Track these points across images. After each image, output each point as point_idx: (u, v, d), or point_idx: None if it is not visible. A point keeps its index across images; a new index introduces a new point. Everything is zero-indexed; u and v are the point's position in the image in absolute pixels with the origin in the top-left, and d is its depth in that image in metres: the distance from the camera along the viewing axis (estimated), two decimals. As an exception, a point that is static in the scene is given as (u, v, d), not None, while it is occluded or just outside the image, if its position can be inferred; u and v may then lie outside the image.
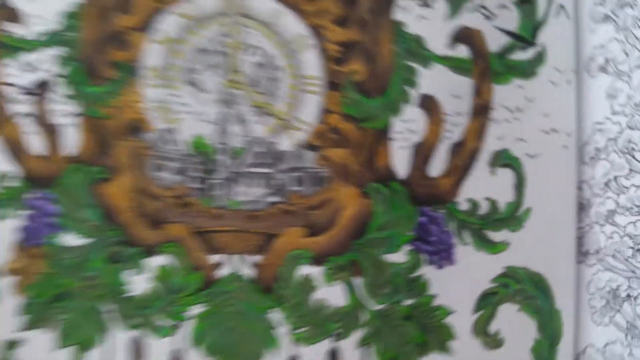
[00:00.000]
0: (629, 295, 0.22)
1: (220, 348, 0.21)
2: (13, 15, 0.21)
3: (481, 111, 0.22)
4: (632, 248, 0.22)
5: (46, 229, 0.21)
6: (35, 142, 0.21)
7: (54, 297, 0.21)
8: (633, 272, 0.22)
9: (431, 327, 0.22)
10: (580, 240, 0.24)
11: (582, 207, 0.24)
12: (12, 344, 0.21)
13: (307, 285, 0.22)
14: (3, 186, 0.21)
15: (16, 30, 0.21)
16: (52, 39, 0.21)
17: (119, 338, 0.21)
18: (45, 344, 0.21)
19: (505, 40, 0.22)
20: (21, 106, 0.21)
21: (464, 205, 0.22)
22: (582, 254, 0.24)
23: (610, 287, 0.22)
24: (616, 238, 0.22)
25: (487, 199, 0.22)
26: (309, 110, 0.21)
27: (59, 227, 0.21)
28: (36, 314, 0.21)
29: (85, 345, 0.21)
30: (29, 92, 0.20)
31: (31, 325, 0.21)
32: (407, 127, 0.21)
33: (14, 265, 0.21)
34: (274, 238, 0.22)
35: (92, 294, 0.21)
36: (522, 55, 0.22)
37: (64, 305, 0.21)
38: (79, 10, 0.21)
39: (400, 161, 0.22)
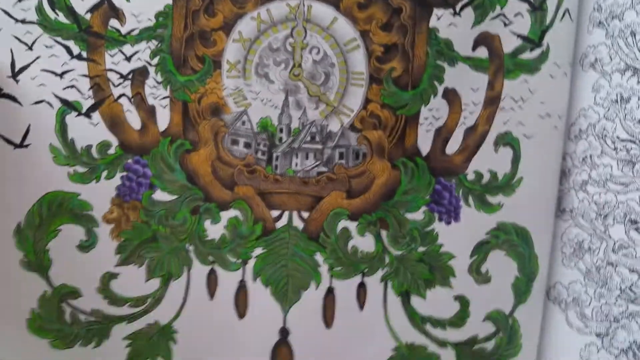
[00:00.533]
0: (589, 248, 0.34)
1: (275, 280, 0.34)
2: (117, 14, 0.31)
3: (493, 101, 0.33)
4: (596, 212, 0.34)
5: (141, 188, 0.32)
6: (133, 119, 0.32)
7: (145, 240, 0.33)
8: (594, 231, 0.34)
9: (437, 267, 0.34)
10: (559, 199, 0.36)
11: (564, 174, 0.36)
12: (110, 276, 0.33)
13: (345, 235, 0.34)
14: (107, 153, 0.32)
15: (120, 26, 0.31)
16: (148, 35, 0.31)
17: (198, 271, 0.34)
18: (136, 276, 0.33)
19: (517, 42, 0.33)
20: (123, 89, 0.32)
21: (470, 176, 0.34)
22: (560, 210, 0.36)
23: (577, 240, 0.35)
24: (585, 203, 0.35)
25: (489, 170, 0.34)
26: (354, 99, 0.32)
27: (151, 186, 0.32)
28: (129, 253, 0.33)
29: (170, 276, 0.33)
30: (129, 77, 0.32)
31: (125, 262, 0.33)
32: (432, 115, 0.33)
33: (110, 216, 0.33)
34: (321, 199, 0.33)
35: (177, 237, 0.33)
36: (529, 55, 0.33)
37: (153, 246, 0.33)
38: (171, 11, 0.31)
39: (424, 141, 0.33)
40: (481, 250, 0.35)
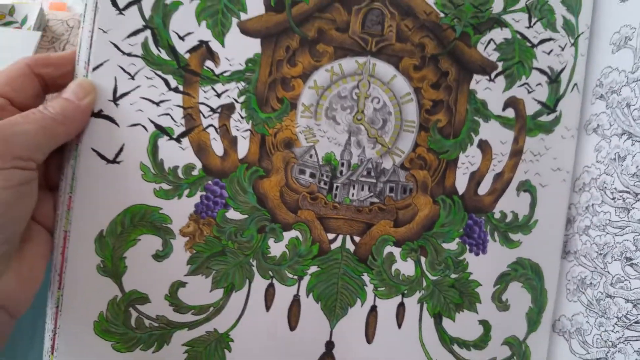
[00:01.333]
0: (590, 283, 0.39)
1: (325, 296, 0.38)
2: (213, 57, 0.37)
3: (516, 153, 0.40)
4: (597, 252, 0.39)
5: (217, 206, 0.37)
6: (217, 146, 0.37)
7: (215, 253, 0.37)
8: (595, 268, 0.39)
9: (466, 293, 0.39)
10: (565, 243, 0.42)
11: (569, 221, 0.42)
12: (179, 284, 0.36)
13: (390, 259, 0.38)
14: (191, 174, 0.37)
15: (214, 67, 0.37)
16: (238, 77, 0.37)
17: (258, 284, 0.38)
18: (203, 286, 0.37)
19: (537, 106, 0.40)
20: (211, 120, 0.37)
21: (497, 215, 0.40)
22: (565, 252, 0.42)
23: (580, 277, 0.40)
24: (587, 245, 0.40)
25: (512, 211, 0.40)
26: (406, 143, 0.38)
27: (226, 206, 0.37)
28: (199, 264, 0.37)
29: (233, 287, 0.38)
30: (218, 111, 0.37)
31: (194, 272, 0.37)
32: (468, 160, 0.39)
33: (187, 230, 0.37)
34: (372, 226, 0.38)
35: (243, 252, 0.37)
36: (546, 118, 0.40)
37: (221, 259, 0.37)
38: (259, 59, 0.37)
39: (461, 182, 0.39)
40: (503, 280, 0.41)
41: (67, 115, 0.34)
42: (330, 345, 0.39)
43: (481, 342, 0.40)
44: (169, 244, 0.37)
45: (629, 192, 0.38)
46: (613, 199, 0.39)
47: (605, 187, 0.40)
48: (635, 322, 0.37)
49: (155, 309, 0.37)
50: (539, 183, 0.41)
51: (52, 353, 0.36)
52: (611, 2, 0.40)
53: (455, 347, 0.40)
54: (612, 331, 0.38)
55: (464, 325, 0.40)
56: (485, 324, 0.40)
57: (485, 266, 0.40)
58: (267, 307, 0.38)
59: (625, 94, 0.39)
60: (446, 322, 0.40)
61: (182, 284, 0.37)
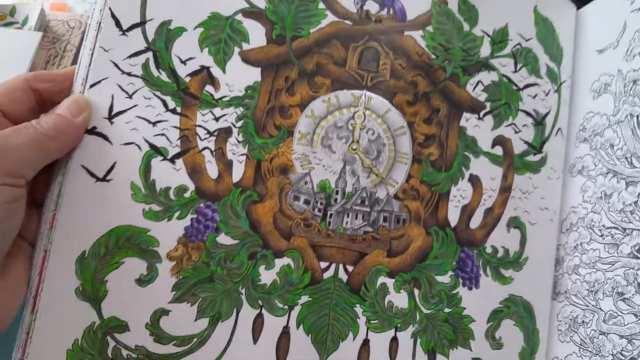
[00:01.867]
0: (583, 322, 0.39)
1: (316, 329, 0.37)
2: (213, 82, 0.37)
3: (506, 190, 0.41)
4: (587, 290, 0.40)
5: (207, 230, 0.36)
6: (212, 169, 0.37)
7: (202, 279, 0.35)
8: (587, 306, 0.40)
9: (460, 329, 0.39)
10: (555, 284, 0.42)
11: (558, 262, 0.42)
12: (161, 312, 0.35)
13: (383, 290, 0.38)
14: (183, 196, 0.36)
15: (214, 92, 0.38)
16: (237, 102, 0.38)
17: (246, 314, 0.36)
18: (187, 315, 0.35)
19: (524, 146, 0.42)
20: (208, 143, 0.37)
21: (489, 250, 0.40)
22: (555, 293, 0.42)
23: (571, 316, 0.40)
24: (578, 283, 0.40)
25: (503, 247, 0.41)
26: (399, 174, 0.39)
27: (217, 230, 0.36)
28: (185, 291, 0.35)
29: (220, 317, 0.36)
30: (215, 134, 0.37)
31: (179, 299, 0.35)
32: (460, 194, 0.40)
33: (174, 253, 0.36)
34: (365, 255, 0.38)
35: (232, 279, 0.36)
36: (533, 158, 0.42)
37: (208, 286, 0.35)
38: (258, 86, 0.38)
39: (453, 215, 0.40)
40: (495, 317, 0.40)
41: (60, 131, 0.34)
42: (320, 382, 0.37)
43: (475, 382, 0.39)
44: (154, 268, 0.36)
45: (617, 228, 0.39)
46: (601, 235, 0.40)
47: (593, 225, 0.41)
48: (631, 358, 0.37)
49: (134, 338, 0.35)
50: (528, 220, 0.42)
51: None
52: (589, 52, 0.44)
53: (450, 387, 0.38)
54: None
55: (458, 363, 0.39)
56: (479, 363, 0.39)
57: (479, 301, 0.40)
58: (255, 339, 0.37)
59: (608, 135, 0.41)
60: (440, 359, 0.38)
61: (165, 312, 0.36)
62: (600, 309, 0.39)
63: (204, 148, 0.37)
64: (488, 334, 0.40)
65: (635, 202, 0.39)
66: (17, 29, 0.50)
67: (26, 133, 0.32)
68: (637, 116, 0.40)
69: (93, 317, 0.35)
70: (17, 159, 0.31)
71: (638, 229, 0.39)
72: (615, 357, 0.38)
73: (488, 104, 0.42)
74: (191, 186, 0.37)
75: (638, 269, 0.38)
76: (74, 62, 0.46)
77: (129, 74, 0.37)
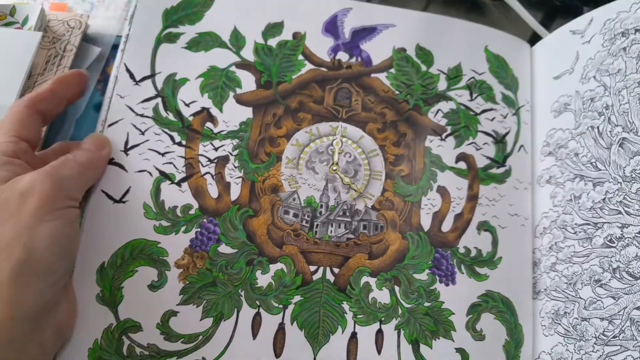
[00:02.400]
0: (565, 313, 0.42)
1: (308, 324, 0.41)
2: (212, 120, 0.45)
3: (472, 198, 0.45)
4: (566, 283, 0.42)
5: (210, 242, 0.42)
6: (213, 190, 0.43)
7: (206, 284, 0.40)
8: (567, 297, 0.42)
9: (440, 321, 0.42)
10: (534, 285, 0.45)
11: (535, 264, 0.45)
12: (170, 314, 0.39)
13: (366, 288, 0.42)
14: (188, 213, 0.42)
15: (213, 127, 0.45)
16: (232, 135, 0.44)
17: (246, 313, 0.40)
18: (193, 315, 0.40)
19: (486, 161, 0.47)
20: (209, 169, 0.44)
21: (462, 250, 0.44)
22: (535, 292, 0.44)
23: (553, 310, 0.42)
24: (556, 279, 0.43)
25: (475, 247, 0.44)
26: (375, 188, 0.45)
27: (218, 241, 0.42)
28: (191, 294, 0.40)
29: (222, 316, 0.40)
30: (214, 161, 0.44)
31: (186, 302, 0.40)
32: (430, 203, 0.45)
33: (181, 262, 0.41)
34: (348, 259, 0.43)
35: (233, 283, 0.41)
36: (496, 171, 0.47)
37: (212, 290, 0.40)
38: (251, 122, 0.45)
39: (425, 221, 0.44)
40: (474, 310, 0.43)
41: (93, 162, 0.41)
42: (313, 372, 0.40)
43: (460, 371, 0.42)
44: (164, 275, 0.41)
45: (589, 224, 0.43)
46: (575, 232, 0.44)
47: (566, 225, 0.44)
48: (613, 337, 0.40)
49: (146, 337, 0.40)
50: (497, 224, 0.46)
51: None
52: (546, 79, 0.50)
53: (436, 375, 0.42)
54: (593, 351, 0.40)
55: (441, 352, 0.42)
56: (462, 352, 0.42)
57: (456, 296, 0.44)
58: (254, 335, 0.41)
59: (572, 146, 0.46)
60: (424, 349, 0.42)
61: (174, 313, 0.41)
62: (580, 297, 0.42)
63: (206, 173, 0.44)
64: (469, 326, 0.43)
65: (603, 200, 0.43)
66: (17, 29, 0.50)
67: (70, 166, 0.38)
68: (598, 127, 0.45)
69: (110, 319, 0.40)
70: (72, 186, 0.38)
71: (608, 222, 0.42)
72: (599, 338, 0.40)
73: (449, 128, 0.48)
74: (195, 205, 0.44)
75: (612, 257, 0.41)
76: (74, 62, 0.50)
77: (141, 115, 0.45)
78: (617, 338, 0.40)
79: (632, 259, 0.41)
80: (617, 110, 0.44)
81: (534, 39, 0.55)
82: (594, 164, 0.44)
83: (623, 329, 0.40)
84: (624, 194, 0.42)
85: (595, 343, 0.41)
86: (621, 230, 0.42)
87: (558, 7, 0.60)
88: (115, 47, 0.53)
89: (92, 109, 0.50)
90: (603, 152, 0.44)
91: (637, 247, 0.41)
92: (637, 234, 0.41)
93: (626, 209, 0.42)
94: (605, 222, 0.42)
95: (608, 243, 0.42)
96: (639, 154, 0.42)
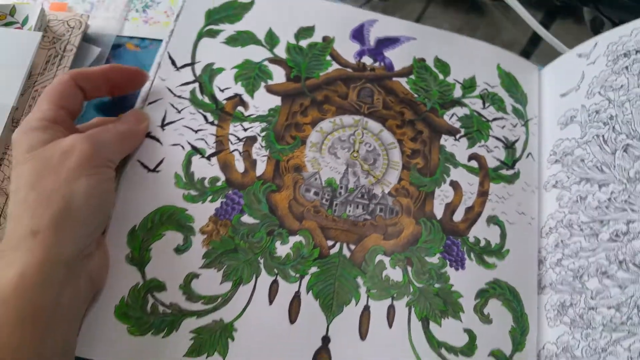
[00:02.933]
0: (571, 304, 0.43)
1: (323, 294, 0.43)
2: (244, 105, 0.48)
3: (483, 194, 0.48)
4: (572, 276, 0.43)
5: (234, 211, 0.44)
6: (240, 165, 0.46)
7: (228, 250, 0.42)
8: (573, 289, 0.44)
9: (449, 302, 0.43)
10: (539, 281, 0.47)
11: (540, 262, 0.47)
12: (193, 276, 0.41)
13: (380, 265, 0.44)
14: (215, 184, 0.45)
15: (244, 111, 0.49)
16: (261, 119, 0.48)
17: (264, 280, 0.42)
18: (215, 278, 0.42)
19: (497, 162, 0.51)
20: (237, 146, 0.47)
21: (471, 239, 0.46)
22: (540, 288, 0.46)
23: (559, 302, 0.44)
24: (562, 274, 0.44)
25: (484, 238, 0.47)
26: (392, 176, 0.48)
27: (242, 211, 0.44)
28: (213, 259, 0.42)
29: (241, 281, 0.42)
30: (243, 140, 0.47)
31: (208, 265, 0.42)
32: (443, 194, 0.48)
33: (206, 228, 0.43)
34: (364, 237, 0.45)
35: (253, 251, 0.43)
36: (506, 172, 0.50)
37: (233, 256, 0.42)
38: (279, 109, 0.49)
39: (438, 209, 0.47)
40: (482, 295, 0.45)
41: (131, 133, 0.45)
42: (326, 340, 0.42)
43: (468, 350, 0.43)
44: (189, 240, 0.44)
45: (594, 222, 0.46)
46: (581, 230, 0.46)
47: (572, 223, 0.46)
48: (621, 324, 0.41)
49: (169, 296, 0.42)
50: (506, 220, 0.49)
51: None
52: (554, 97, 0.54)
53: (443, 351, 0.43)
54: (600, 338, 0.42)
55: (449, 331, 0.44)
56: (470, 333, 0.44)
57: (465, 280, 0.46)
58: (270, 301, 0.43)
59: (578, 153, 0.49)
60: (433, 327, 0.44)
61: (196, 275, 0.43)
62: (587, 288, 0.43)
63: (234, 150, 0.48)
64: (476, 309, 0.45)
65: (609, 199, 0.46)
66: (17, 29, 0.51)
67: (110, 133, 0.42)
68: (603, 135, 0.48)
69: (138, 278, 0.42)
70: (110, 149, 0.41)
71: (614, 219, 0.45)
72: (606, 326, 0.42)
73: (462, 130, 0.52)
74: (222, 177, 0.46)
75: (618, 250, 0.43)
76: (74, 62, 0.51)
77: (179, 97, 0.49)
78: (625, 324, 0.41)
79: (638, 252, 0.43)
80: (620, 120, 0.48)
81: (534, 39, 0.59)
82: (599, 167, 0.47)
83: (631, 315, 0.41)
84: (629, 193, 0.45)
85: (602, 330, 0.42)
86: (627, 226, 0.44)
87: (558, 7, 0.64)
88: (115, 46, 0.55)
89: (93, 109, 0.51)
90: (608, 157, 0.47)
91: None
92: None
93: (631, 206, 0.44)
94: (611, 219, 0.45)
95: (614, 238, 0.44)
96: None
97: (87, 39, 0.55)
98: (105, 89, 0.44)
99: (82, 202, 0.36)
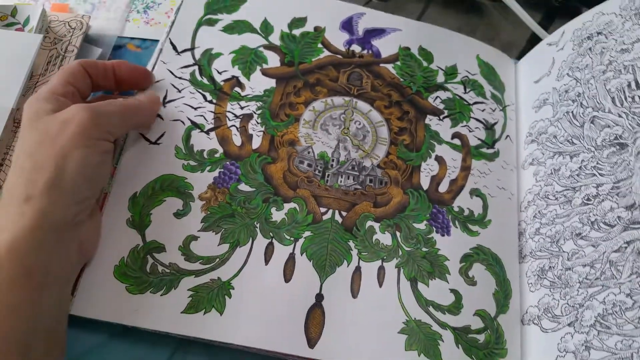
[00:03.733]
0: (549, 267, 0.45)
1: (317, 256, 0.44)
2: (241, 85, 0.51)
3: (465, 169, 0.51)
4: (550, 242, 0.46)
5: (231, 180, 0.46)
6: (237, 139, 0.48)
7: (225, 215, 0.44)
8: (551, 254, 0.46)
9: (436, 264, 0.45)
10: (520, 251, 0.49)
11: (521, 234, 0.50)
12: (191, 238, 0.43)
13: (371, 231, 0.46)
14: (214, 156, 0.47)
15: (240, 91, 0.51)
16: (257, 98, 0.51)
17: (260, 242, 0.44)
18: (212, 241, 0.43)
19: (478, 141, 0.54)
20: (234, 122, 0.49)
21: (456, 208, 0.49)
22: (521, 257, 0.49)
23: (539, 267, 0.46)
24: (540, 241, 0.47)
25: (468, 208, 0.49)
26: (381, 151, 0.50)
27: (238, 180, 0.46)
28: (211, 223, 0.44)
29: (238, 243, 0.44)
30: (240, 117, 0.50)
31: (206, 229, 0.44)
32: (429, 167, 0.50)
33: (205, 195, 0.45)
34: (355, 205, 0.47)
35: (249, 216, 0.45)
36: (486, 150, 0.53)
37: (230, 220, 0.44)
38: (274, 89, 0.52)
39: (424, 181, 0.50)
40: (467, 260, 0.47)
41: (139, 108, 0.46)
42: (320, 297, 0.44)
43: (454, 308, 0.46)
44: (188, 205, 0.46)
45: (568, 189, 0.48)
46: (556, 199, 0.49)
47: (548, 194, 0.50)
48: (596, 279, 0.44)
49: (169, 257, 0.43)
50: (488, 193, 0.52)
51: (72, 294, 0.41)
52: (528, 84, 0.59)
53: (431, 309, 0.45)
54: (577, 294, 0.44)
55: (437, 291, 0.46)
56: (456, 293, 0.46)
57: (451, 245, 0.48)
58: (266, 262, 0.45)
59: (551, 131, 0.53)
60: (421, 287, 0.46)
61: (195, 238, 0.45)
62: (563, 251, 0.46)
63: (232, 125, 0.50)
64: (462, 272, 0.47)
65: (580, 167, 0.49)
66: (18, 30, 0.51)
67: (115, 105, 0.43)
68: (572, 112, 0.52)
69: (138, 240, 0.44)
70: (110, 122, 0.42)
71: (585, 184, 0.48)
72: (582, 283, 0.44)
73: (446, 111, 0.56)
74: (220, 150, 0.49)
75: (590, 212, 0.46)
76: None
77: (180, 78, 0.51)
78: (599, 279, 0.44)
79: (608, 211, 0.46)
80: (587, 96, 0.51)
81: (532, 39, 0.62)
82: (570, 140, 0.51)
83: (604, 270, 0.44)
84: (597, 160, 0.48)
85: (579, 287, 0.45)
86: (596, 189, 0.47)
87: (557, 7, 0.66)
88: (116, 47, 0.57)
89: None
90: (577, 130, 0.51)
91: (610, 200, 0.46)
92: (610, 190, 0.46)
93: (599, 171, 0.48)
94: (582, 185, 0.48)
95: (586, 202, 0.47)
96: (607, 127, 0.49)
97: (88, 40, 0.56)
98: (111, 81, 0.45)
99: (74, 171, 0.36)
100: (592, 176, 0.47)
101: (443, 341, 0.44)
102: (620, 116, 0.49)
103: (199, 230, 0.45)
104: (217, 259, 0.44)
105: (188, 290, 0.43)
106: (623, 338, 0.41)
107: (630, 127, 0.48)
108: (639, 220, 0.44)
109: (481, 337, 0.44)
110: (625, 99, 0.49)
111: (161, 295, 0.42)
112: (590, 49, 0.53)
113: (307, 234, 0.46)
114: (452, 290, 0.46)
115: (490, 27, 0.58)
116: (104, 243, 0.43)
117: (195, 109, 0.50)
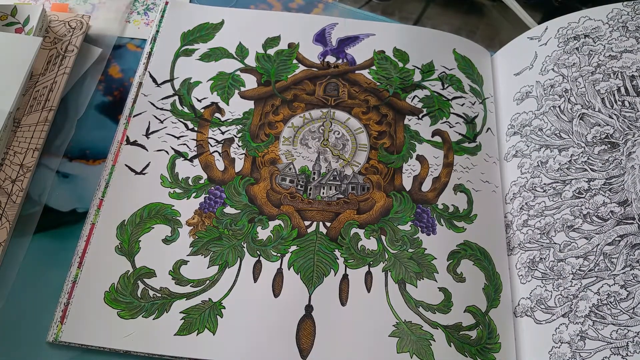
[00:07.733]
0: (540, 259, 0.44)
1: (304, 269, 0.44)
2: (220, 111, 0.52)
3: (448, 165, 0.50)
4: (540, 234, 0.45)
5: (217, 204, 0.47)
6: (220, 164, 0.49)
7: (213, 238, 0.45)
8: (541, 245, 0.45)
9: (423, 264, 0.45)
10: (508, 243, 0.48)
11: (507, 226, 0.48)
12: (181, 262, 0.44)
13: (356, 238, 0.46)
14: (199, 182, 0.48)
15: (220, 117, 0.52)
16: (236, 122, 0.52)
17: (248, 261, 0.45)
18: (201, 264, 0.44)
19: (459, 136, 0.53)
20: (217, 148, 0.50)
21: (440, 206, 0.48)
22: (510, 249, 0.48)
23: (529, 259, 0.45)
24: (529, 233, 0.46)
25: (452, 205, 0.49)
26: (361, 157, 0.50)
27: (224, 204, 0.47)
28: (200, 247, 0.45)
29: (227, 264, 0.44)
30: (221, 142, 0.51)
31: (195, 253, 0.44)
32: (411, 168, 0.50)
33: (192, 221, 0.46)
34: (339, 214, 0.47)
35: (236, 237, 0.45)
36: (468, 145, 0.52)
37: (218, 243, 0.45)
38: (252, 111, 0.52)
39: (407, 182, 0.49)
40: (454, 256, 0.46)
41: None
42: (309, 308, 0.44)
43: (444, 307, 0.45)
44: (176, 231, 0.47)
45: (557, 182, 0.47)
46: (544, 191, 0.48)
47: (535, 186, 0.48)
48: (590, 270, 0.43)
49: (159, 281, 0.44)
50: (472, 188, 0.51)
51: (62, 322, 0.42)
52: (507, 76, 0.57)
53: (421, 310, 0.45)
54: (571, 286, 0.43)
55: (425, 291, 0.45)
56: (445, 291, 0.46)
57: (437, 244, 0.47)
58: (255, 279, 0.45)
59: (536, 123, 0.51)
60: (410, 288, 0.45)
61: (184, 262, 0.45)
62: (555, 243, 0.45)
63: (214, 151, 0.51)
64: (450, 269, 0.46)
65: (569, 161, 0.48)
66: (17, 32, 0.50)
67: None
68: (559, 106, 0.51)
69: (127, 266, 0.45)
70: None
71: (576, 178, 0.47)
72: (576, 274, 0.43)
73: (425, 110, 0.55)
74: (204, 176, 0.50)
75: (582, 205, 0.46)
76: (76, 62, 0.52)
77: (161, 109, 0.53)
78: (593, 271, 0.43)
79: (600, 205, 0.45)
80: (575, 93, 0.51)
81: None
82: (557, 134, 0.50)
83: (598, 262, 0.43)
84: (588, 155, 0.47)
85: (572, 278, 0.44)
86: (588, 184, 0.46)
87: (557, 8, 0.65)
88: (116, 47, 0.56)
89: (94, 109, 0.53)
90: (565, 124, 0.50)
91: (603, 195, 0.45)
92: (602, 185, 0.45)
93: (591, 167, 0.47)
94: (573, 179, 0.47)
95: (577, 195, 0.46)
96: (598, 125, 0.48)
97: (88, 40, 0.55)
98: None
99: None
100: (583, 171, 0.47)
101: (435, 341, 0.43)
102: (611, 117, 0.49)
103: (188, 255, 0.46)
104: (208, 281, 0.44)
105: (180, 312, 0.43)
106: (618, 328, 0.41)
107: (621, 128, 0.48)
108: (631, 216, 0.44)
109: (473, 334, 0.44)
110: (616, 102, 0.49)
111: (153, 319, 0.43)
112: (577, 48, 0.53)
113: (293, 248, 0.46)
114: (441, 289, 0.45)
115: (490, 27, 0.57)
116: (93, 270, 0.44)
117: (178, 137, 0.51)
